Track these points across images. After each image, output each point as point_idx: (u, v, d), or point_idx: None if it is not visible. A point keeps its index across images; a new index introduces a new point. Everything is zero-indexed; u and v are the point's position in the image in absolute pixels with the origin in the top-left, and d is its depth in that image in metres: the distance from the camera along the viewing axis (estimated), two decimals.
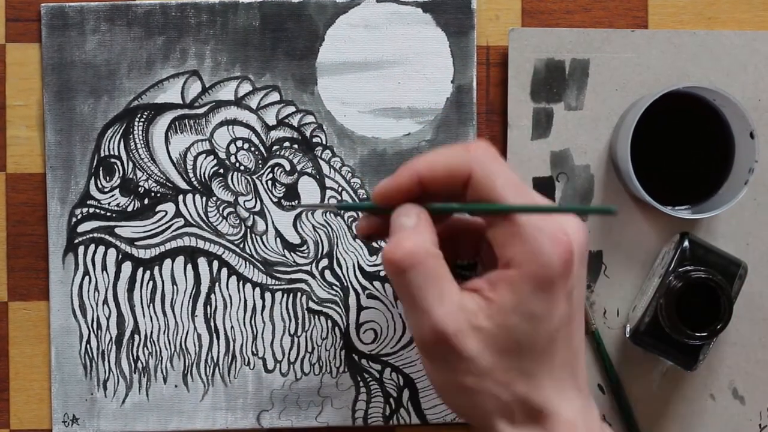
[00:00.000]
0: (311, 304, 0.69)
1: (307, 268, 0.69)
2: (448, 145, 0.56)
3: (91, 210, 0.68)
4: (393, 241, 0.53)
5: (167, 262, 0.69)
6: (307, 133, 0.69)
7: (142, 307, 0.69)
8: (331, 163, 0.69)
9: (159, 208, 0.69)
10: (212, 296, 0.69)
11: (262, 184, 0.69)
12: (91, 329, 0.69)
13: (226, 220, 0.69)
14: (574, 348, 0.55)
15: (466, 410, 0.55)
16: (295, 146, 0.69)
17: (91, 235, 0.68)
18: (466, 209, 0.55)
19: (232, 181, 0.69)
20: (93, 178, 0.68)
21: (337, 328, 0.69)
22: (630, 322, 0.68)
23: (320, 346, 0.69)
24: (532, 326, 0.52)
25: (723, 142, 0.66)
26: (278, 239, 0.69)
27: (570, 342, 0.54)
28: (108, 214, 0.68)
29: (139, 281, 0.69)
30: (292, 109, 0.69)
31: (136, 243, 0.69)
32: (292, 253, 0.69)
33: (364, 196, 0.69)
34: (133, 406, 0.69)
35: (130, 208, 0.69)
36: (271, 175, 0.69)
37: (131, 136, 0.68)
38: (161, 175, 0.69)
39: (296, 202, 0.69)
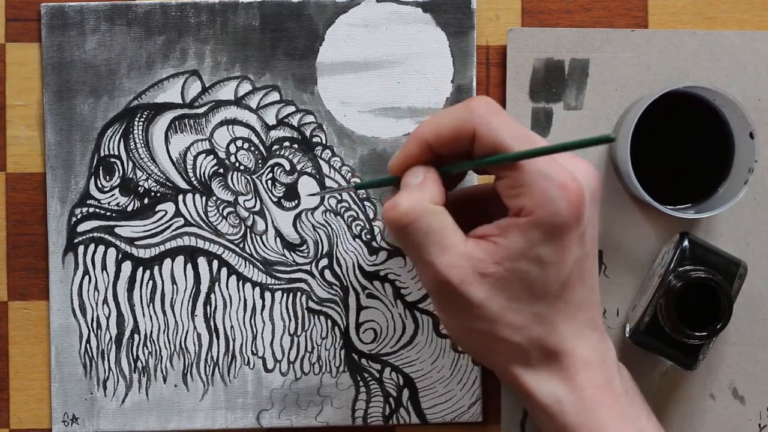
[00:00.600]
0: (311, 304, 0.69)
1: (307, 267, 0.69)
2: (450, 107, 0.56)
3: (91, 210, 0.68)
4: (392, 200, 0.54)
5: (167, 261, 0.69)
6: (307, 133, 0.69)
7: (142, 307, 0.69)
8: (331, 163, 0.69)
9: (159, 207, 0.69)
10: (212, 296, 0.69)
11: (261, 183, 0.69)
12: (90, 329, 0.69)
13: (226, 220, 0.69)
14: (589, 287, 0.55)
15: (482, 354, 0.57)
16: (295, 146, 0.69)
17: (90, 235, 0.69)
18: (471, 166, 0.55)
19: (231, 181, 0.69)
20: (93, 177, 0.68)
21: (336, 328, 0.69)
22: (630, 321, 0.68)
23: (320, 345, 0.69)
24: (542, 271, 0.53)
25: (723, 142, 0.66)
26: (278, 239, 0.69)
27: (584, 282, 0.55)
28: (108, 213, 0.69)
29: (138, 281, 0.69)
30: (292, 108, 0.69)
31: (136, 242, 0.69)
32: (291, 253, 0.69)
33: (364, 195, 0.69)
34: (133, 405, 0.69)
35: (130, 208, 0.69)
36: (270, 175, 0.69)
37: (131, 135, 0.69)
38: (161, 175, 0.69)
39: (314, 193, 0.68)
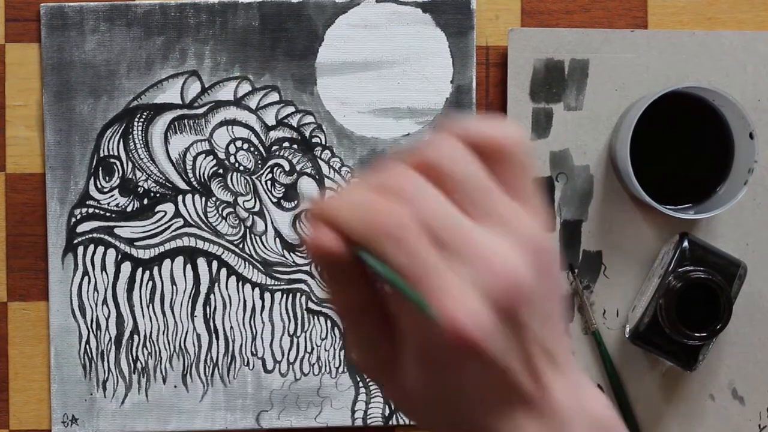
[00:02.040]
0: (310, 305, 0.69)
1: (307, 268, 0.69)
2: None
3: (91, 210, 0.68)
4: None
5: (167, 262, 0.69)
6: (307, 134, 0.69)
7: (142, 308, 0.69)
8: (331, 164, 0.69)
9: (158, 208, 0.69)
10: (212, 296, 0.69)
11: (261, 184, 0.69)
12: (90, 329, 0.69)
13: (226, 221, 0.69)
14: (516, 385, 0.46)
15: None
16: (295, 146, 0.69)
17: (90, 236, 0.68)
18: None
19: (231, 182, 0.69)
20: (92, 178, 0.68)
21: (336, 329, 0.69)
22: (630, 322, 0.68)
23: (319, 346, 0.69)
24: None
25: (723, 142, 0.66)
26: (277, 239, 0.69)
27: (507, 384, 0.47)
28: (107, 214, 0.68)
29: (138, 281, 0.69)
30: (292, 109, 0.69)
31: (135, 243, 0.69)
32: (291, 254, 0.69)
33: None
34: (133, 406, 0.69)
35: (129, 209, 0.69)
36: (270, 176, 0.69)
37: (130, 136, 0.68)
38: (160, 176, 0.69)
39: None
